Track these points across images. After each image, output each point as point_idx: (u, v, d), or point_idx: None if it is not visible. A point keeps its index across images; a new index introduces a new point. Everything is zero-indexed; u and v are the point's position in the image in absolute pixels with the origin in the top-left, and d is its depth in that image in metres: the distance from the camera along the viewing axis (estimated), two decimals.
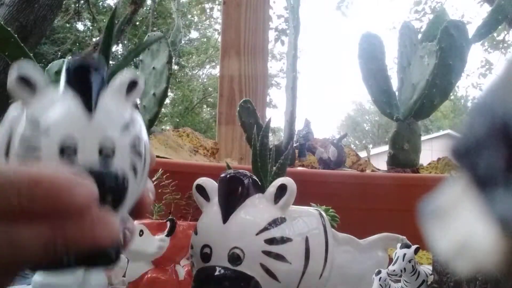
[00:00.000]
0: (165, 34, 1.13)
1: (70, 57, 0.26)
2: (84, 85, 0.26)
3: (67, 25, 7.26)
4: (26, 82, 0.26)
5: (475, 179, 0.12)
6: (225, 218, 0.36)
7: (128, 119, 0.27)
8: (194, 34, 10.05)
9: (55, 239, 0.21)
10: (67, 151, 0.24)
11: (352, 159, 1.07)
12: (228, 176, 0.37)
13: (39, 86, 0.26)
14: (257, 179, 0.39)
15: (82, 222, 0.22)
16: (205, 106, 10.47)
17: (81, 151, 0.25)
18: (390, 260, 0.54)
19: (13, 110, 0.26)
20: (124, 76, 0.28)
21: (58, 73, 1.00)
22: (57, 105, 0.26)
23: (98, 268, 0.27)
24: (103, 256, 0.24)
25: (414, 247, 0.52)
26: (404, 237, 0.55)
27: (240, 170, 0.38)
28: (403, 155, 1.04)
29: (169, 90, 1.07)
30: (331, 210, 0.53)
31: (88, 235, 0.22)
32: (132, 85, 0.28)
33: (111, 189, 0.25)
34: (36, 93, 0.26)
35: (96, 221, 0.23)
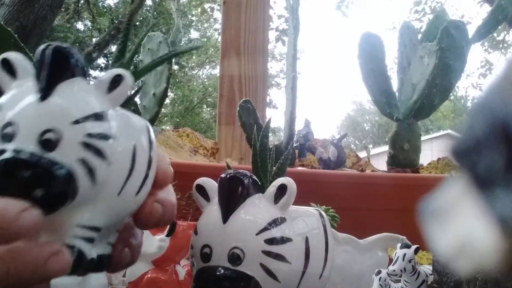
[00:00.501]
0: (165, 34, 1.13)
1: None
2: (42, 70, 0.24)
3: (67, 25, 7.27)
4: (8, 66, 0.25)
5: (475, 179, 0.12)
6: (225, 218, 0.36)
7: (94, 112, 0.24)
8: (194, 34, 10.06)
9: (7, 275, 0.21)
10: (5, 137, 0.23)
11: (352, 160, 1.07)
12: (228, 176, 0.37)
13: (19, 72, 0.25)
14: (257, 179, 0.39)
15: (37, 255, 0.22)
16: (205, 106, 10.47)
17: (18, 137, 0.23)
18: (390, 260, 0.54)
19: None
20: (109, 71, 0.26)
21: None
22: (20, 91, 0.25)
23: None
24: None
25: (414, 247, 0.52)
26: (404, 237, 0.55)
27: (240, 170, 0.38)
28: (403, 155, 1.04)
29: (169, 90, 1.07)
30: (331, 210, 0.53)
31: (40, 270, 0.22)
32: (116, 82, 0.25)
33: (43, 182, 0.22)
34: (16, 79, 0.25)
35: (44, 250, 0.22)
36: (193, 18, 9.27)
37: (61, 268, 0.22)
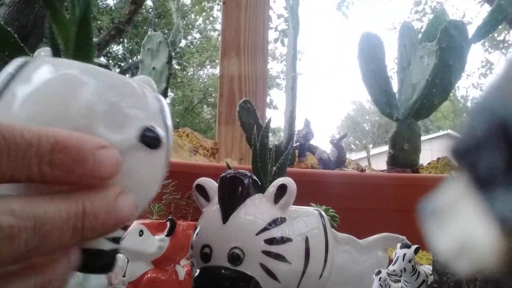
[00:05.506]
0: (166, 34, 1.13)
1: None
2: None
3: None
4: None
5: (475, 179, 0.12)
6: (225, 218, 0.36)
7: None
8: (196, 35, 10.06)
9: (82, 215, 0.18)
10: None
11: (353, 167, 1.07)
12: (228, 176, 0.37)
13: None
14: (257, 179, 0.39)
15: (107, 195, 0.19)
16: (205, 106, 10.47)
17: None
18: (390, 260, 0.54)
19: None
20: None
21: None
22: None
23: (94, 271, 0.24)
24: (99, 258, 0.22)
25: (414, 247, 0.52)
26: (404, 237, 0.55)
27: (240, 170, 0.38)
28: (403, 155, 1.04)
29: (169, 90, 1.07)
30: (331, 210, 0.53)
31: (113, 211, 0.19)
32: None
33: None
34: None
35: (120, 195, 0.20)
36: (196, 19, 9.27)
37: (130, 211, 0.20)
